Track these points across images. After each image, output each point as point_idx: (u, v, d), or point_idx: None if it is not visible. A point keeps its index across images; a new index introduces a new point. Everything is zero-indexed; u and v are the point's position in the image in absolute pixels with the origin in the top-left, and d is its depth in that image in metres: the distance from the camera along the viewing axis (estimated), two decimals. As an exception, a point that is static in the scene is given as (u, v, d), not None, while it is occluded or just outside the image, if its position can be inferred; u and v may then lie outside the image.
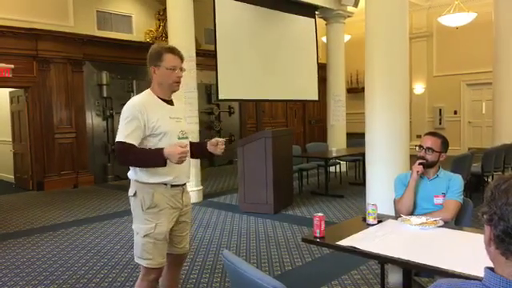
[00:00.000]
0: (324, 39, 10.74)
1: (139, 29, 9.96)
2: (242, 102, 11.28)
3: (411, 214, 2.67)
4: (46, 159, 8.39)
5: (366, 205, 2.65)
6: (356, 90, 13.70)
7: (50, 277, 3.80)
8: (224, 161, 11.20)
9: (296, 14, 9.39)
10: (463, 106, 12.59)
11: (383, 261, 2.52)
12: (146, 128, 2.27)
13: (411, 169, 2.77)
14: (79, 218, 6.02)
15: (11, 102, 9.08)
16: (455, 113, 12.72)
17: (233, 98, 9.20)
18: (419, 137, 9.80)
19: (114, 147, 2.32)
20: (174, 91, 2.43)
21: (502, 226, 0.93)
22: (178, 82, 2.39)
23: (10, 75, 7.76)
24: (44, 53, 8.22)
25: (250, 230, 5.15)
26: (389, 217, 2.68)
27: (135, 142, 2.25)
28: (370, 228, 2.45)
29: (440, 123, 12.89)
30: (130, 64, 9.14)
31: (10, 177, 9.42)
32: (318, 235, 2.31)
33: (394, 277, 2.56)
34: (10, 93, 9.01)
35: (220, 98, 7.75)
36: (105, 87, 9.14)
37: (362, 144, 5.36)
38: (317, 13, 9.97)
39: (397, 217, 2.65)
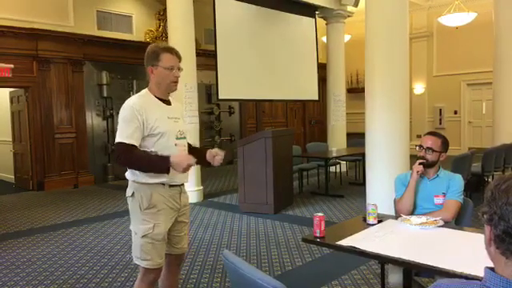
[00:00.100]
0: (324, 39, 10.74)
1: (139, 29, 9.96)
2: (242, 101, 11.29)
3: (411, 213, 2.67)
4: (46, 159, 8.39)
5: (366, 205, 2.65)
6: (356, 90, 13.70)
7: (50, 277, 3.80)
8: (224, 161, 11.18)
9: (296, 13, 9.39)
10: (463, 105, 12.59)
11: (383, 261, 2.52)
12: (144, 128, 2.25)
13: (411, 169, 2.76)
14: (79, 218, 6.02)
15: (11, 101, 9.08)
16: (455, 113, 12.73)
17: (233, 98, 9.21)
18: (419, 137, 9.81)
19: (114, 148, 2.29)
20: (172, 91, 2.42)
21: (503, 226, 0.93)
22: (176, 82, 2.38)
23: (10, 75, 7.76)
24: (44, 53, 8.22)
25: (250, 230, 5.15)
26: (389, 217, 2.68)
27: (137, 143, 2.23)
28: (370, 228, 2.45)
29: (440, 123, 12.89)
30: (130, 64, 9.14)
31: (10, 177, 9.42)
32: (318, 235, 2.31)
33: (395, 277, 2.56)
34: (10, 93, 9.01)
35: (220, 97, 7.76)
36: (105, 87, 9.15)
37: (362, 144, 5.36)
38: (317, 13, 9.98)
39: (397, 217, 2.65)
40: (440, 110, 12.94)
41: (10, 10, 7.90)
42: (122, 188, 7.96)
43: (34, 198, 7.69)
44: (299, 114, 13.88)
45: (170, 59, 2.33)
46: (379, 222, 2.52)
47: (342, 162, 8.66)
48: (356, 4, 9.98)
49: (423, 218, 2.48)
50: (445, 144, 2.75)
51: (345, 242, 2.20)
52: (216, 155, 2.44)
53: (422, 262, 1.91)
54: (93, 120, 9.15)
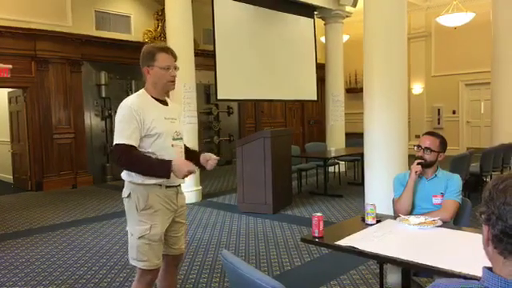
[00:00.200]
0: (323, 39, 10.75)
1: (138, 29, 9.95)
2: (240, 102, 11.29)
3: (410, 213, 2.68)
4: (44, 159, 8.38)
5: (364, 205, 2.65)
6: (355, 90, 13.73)
7: (49, 277, 3.79)
8: (223, 161, 11.20)
9: (295, 14, 9.40)
10: (462, 105, 12.62)
11: (382, 261, 2.52)
12: (141, 129, 2.24)
13: (410, 169, 2.77)
14: (78, 219, 6.01)
15: (10, 102, 9.07)
16: (454, 113, 12.75)
17: (232, 98, 9.21)
18: (418, 137, 9.84)
19: (113, 149, 2.26)
20: (170, 90, 2.41)
21: (500, 226, 0.93)
22: (173, 81, 2.36)
23: (9, 75, 7.74)
24: (42, 53, 8.21)
25: (248, 230, 5.15)
26: (387, 217, 2.69)
27: (136, 144, 2.22)
28: (369, 228, 2.45)
29: (438, 123, 12.91)
30: (129, 64, 9.13)
31: (8, 177, 9.41)
32: (316, 235, 2.31)
33: (393, 277, 2.57)
34: (9, 93, 9.00)
35: (219, 98, 7.76)
36: (103, 87, 9.14)
37: (361, 144, 5.37)
38: (315, 13, 9.98)
39: (395, 217, 2.65)
40: (438, 109, 12.96)
41: (8, 10, 7.89)
42: (120, 188, 7.85)
43: (32, 198, 7.68)
44: (298, 114, 13.88)
45: (165, 59, 2.31)
46: (378, 221, 2.53)
47: (340, 161, 8.67)
48: (354, 4, 10.00)
49: (422, 218, 2.48)
50: (443, 144, 2.75)
51: (343, 242, 2.20)
52: (209, 159, 2.43)
53: (420, 261, 1.91)
54: (91, 120, 9.14)
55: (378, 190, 4.57)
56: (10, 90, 8.80)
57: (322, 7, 9.67)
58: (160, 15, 10.03)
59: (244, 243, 4.68)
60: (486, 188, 0.98)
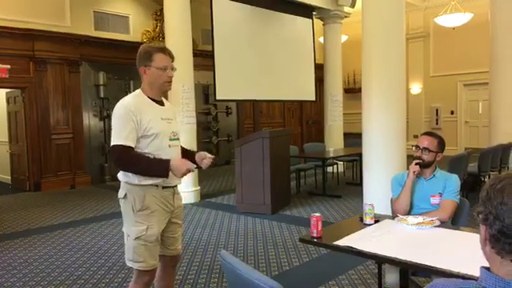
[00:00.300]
0: (321, 40, 10.75)
1: (136, 29, 9.95)
2: (239, 102, 11.29)
3: (408, 213, 2.68)
4: (42, 160, 8.37)
5: (363, 205, 2.66)
6: (353, 91, 13.73)
7: (47, 278, 3.79)
8: (221, 161, 11.20)
9: (293, 14, 9.40)
10: (460, 106, 12.64)
11: (380, 261, 2.53)
12: (138, 129, 2.22)
13: (408, 169, 2.77)
14: (76, 219, 6.00)
15: (8, 102, 9.06)
16: (452, 113, 12.77)
17: (230, 99, 9.22)
18: (416, 137, 9.82)
19: (110, 149, 2.24)
20: (166, 91, 2.41)
21: (498, 226, 0.93)
22: (170, 82, 2.35)
23: (7, 76, 7.73)
24: (41, 53, 8.20)
25: (247, 231, 5.15)
26: (386, 217, 2.69)
27: (133, 145, 2.21)
28: (367, 228, 2.45)
29: (437, 123, 12.93)
30: (127, 64, 9.07)
31: (6, 178, 9.38)
32: (315, 235, 2.31)
33: (391, 277, 2.57)
34: (7, 93, 8.98)
35: (218, 98, 7.76)
36: (102, 88, 9.13)
37: (359, 144, 5.38)
38: (314, 13, 9.99)
39: (394, 217, 2.66)
40: (437, 110, 12.98)
41: (6, 10, 7.87)
42: (118, 189, 7.90)
43: (30, 198, 7.67)
44: (296, 115, 13.89)
45: (162, 59, 2.30)
46: (376, 222, 2.53)
47: (339, 162, 8.68)
48: (353, 5, 10.01)
49: (420, 218, 2.49)
50: (441, 144, 2.76)
51: (342, 242, 2.21)
52: (204, 158, 2.42)
53: (418, 261, 1.91)
54: (90, 120, 9.13)
55: (377, 190, 4.58)
56: (8, 90, 8.78)
57: (320, 8, 9.68)
58: (158, 15, 10.02)
59: (242, 243, 4.68)
60: (484, 188, 0.99)
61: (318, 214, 2.34)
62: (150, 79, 2.32)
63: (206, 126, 11.16)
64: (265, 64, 8.64)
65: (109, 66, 9.21)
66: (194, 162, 2.42)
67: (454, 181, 2.69)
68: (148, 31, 10.12)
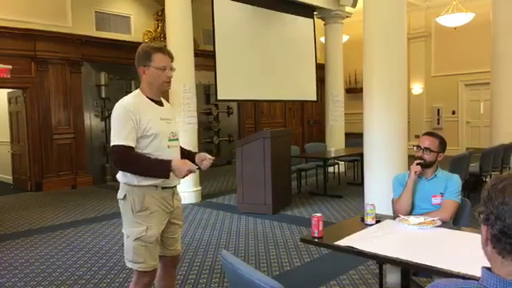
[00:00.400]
0: (322, 39, 10.75)
1: (138, 29, 9.95)
2: (240, 102, 11.29)
3: (409, 214, 2.68)
4: (44, 160, 8.38)
5: (364, 205, 2.66)
6: (354, 90, 13.73)
7: (49, 278, 3.79)
8: (222, 161, 11.20)
9: (294, 14, 9.40)
10: (461, 106, 12.62)
11: (381, 261, 2.52)
12: (137, 129, 2.22)
13: (409, 169, 2.77)
14: (77, 219, 6.01)
15: (9, 102, 9.07)
16: (453, 113, 12.75)
17: (232, 99, 9.22)
18: (417, 137, 9.81)
19: (111, 150, 2.23)
20: (165, 90, 2.40)
21: (499, 226, 0.93)
22: (169, 82, 2.35)
23: (8, 76, 7.74)
24: (42, 53, 8.21)
25: (248, 231, 5.15)
26: (387, 217, 2.69)
27: (133, 145, 2.20)
28: (369, 228, 2.45)
29: (438, 123, 12.91)
30: (129, 65, 9.01)
31: (8, 178, 9.40)
32: (316, 235, 2.31)
33: (392, 277, 2.57)
34: (8, 93, 8.99)
35: (219, 98, 7.76)
36: (103, 88, 9.14)
37: (361, 144, 5.37)
38: (315, 13, 9.99)
39: (395, 217, 2.65)
40: (438, 110, 12.96)
41: (7, 11, 7.89)
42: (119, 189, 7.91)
43: (32, 198, 7.68)
44: (298, 115, 13.89)
45: (162, 59, 2.30)
46: (377, 222, 2.53)
47: (340, 162, 8.67)
48: (354, 5, 10.00)
49: (421, 218, 2.48)
50: (442, 144, 2.76)
51: (343, 242, 2.20)
52: (204, 159, 2.42)
53: (419, 261, 1.91)
54: (91, 121, 9.13)
55: (378, 190, 4.57)
56: (10, 90, 8.80)
57: (321, 7, 9.67)
58: (160, 15, 10.03)
59: (243, 243, 4.68)
60: (485, 188, 0.98)
61: (319, 214, 2.33)
62: (149, 79, 2.32)
63: (207, 126, 11.16)
64: (266, 64, 8.64)
65: (110, 66, 9.22)
66: (193, 162, 2.41)
67: (456, 181, 2.68)
68: (149, 31, 10.13)
